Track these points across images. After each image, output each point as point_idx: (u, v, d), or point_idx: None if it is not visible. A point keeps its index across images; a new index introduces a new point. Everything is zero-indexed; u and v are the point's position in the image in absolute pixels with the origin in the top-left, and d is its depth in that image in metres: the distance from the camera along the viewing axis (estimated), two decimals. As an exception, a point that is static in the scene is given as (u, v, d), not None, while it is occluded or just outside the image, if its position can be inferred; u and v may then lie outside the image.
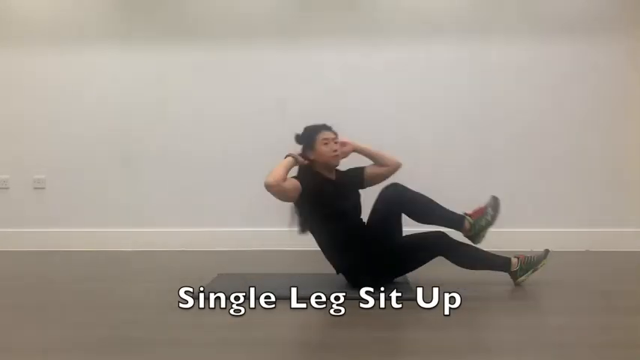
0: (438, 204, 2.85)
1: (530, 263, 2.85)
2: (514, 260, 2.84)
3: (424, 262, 2.85)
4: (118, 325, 2.31)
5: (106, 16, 4.45)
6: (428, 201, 2.84)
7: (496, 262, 2.85)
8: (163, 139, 4.40)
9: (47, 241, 4.31)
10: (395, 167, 3.02)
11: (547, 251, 2.91)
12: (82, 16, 4.43)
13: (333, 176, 2.95)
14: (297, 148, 2.98)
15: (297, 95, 4.34)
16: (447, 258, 2.81)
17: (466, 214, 2.84)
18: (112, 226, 4.38)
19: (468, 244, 2.84)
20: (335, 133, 2.96)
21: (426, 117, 4.33)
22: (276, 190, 2.70)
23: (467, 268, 2.85)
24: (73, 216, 4.39)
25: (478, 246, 2.84)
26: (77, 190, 4.41)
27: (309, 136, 2.92)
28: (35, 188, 4.43)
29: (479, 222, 2.80)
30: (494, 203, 2.86)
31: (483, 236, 2.83)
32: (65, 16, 4.43)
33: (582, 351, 1.97)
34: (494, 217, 2.83)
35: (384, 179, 2.97)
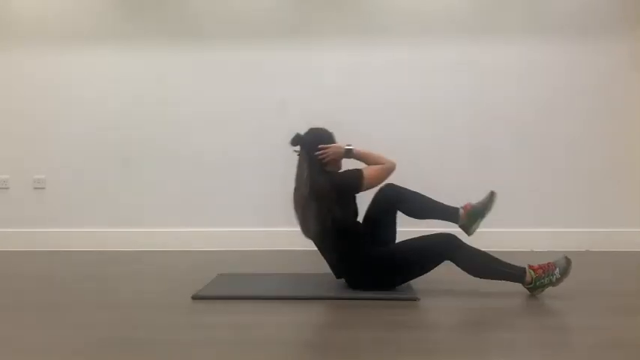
0: (432, 199, 2.86)
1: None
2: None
3: (432, 266, 2.74)
4: (118, 325, 2.31)
5: (106, 16, 4.45)
6: (423, 197, 2.86)
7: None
8: (163, 139, 4.40)
9: (47, 241, 4.32)
10: (391, 168, 2.93)
11: (492, 193, 2.87)
12: (82, 16, 4.43)
13: None
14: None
15: (297, 95, 4.34)
16: (456, 262, 2.70)
17: (461, 207, 2.85)
18: (111, 226, 4.38)
19: (480, 250, 2.72)
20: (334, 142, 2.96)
21: (426, 117, 4.33)
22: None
23: (475, 275, 2.72)
24: (73, 216, 4.40)
25: (473, 243, 2.78)
26: (77, 190, 4.42)
27: (330, 137, 2.92)
28: (35, 188, 4.43)
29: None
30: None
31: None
32: (65, 16, 4.43)
33: (582, 351, 1.97)
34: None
35: (382, 181, 2.93)
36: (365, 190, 2.83)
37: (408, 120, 4.33)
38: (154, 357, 1.95)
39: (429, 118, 4.33)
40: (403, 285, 2.84)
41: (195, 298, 2.69)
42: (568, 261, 2.70)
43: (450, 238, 2.72)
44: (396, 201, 2.83)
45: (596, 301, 2.70)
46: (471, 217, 2.82)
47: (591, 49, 4.30)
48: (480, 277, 2.72)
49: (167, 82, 4.42)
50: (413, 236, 2.79)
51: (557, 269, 2.67)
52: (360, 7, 4.38)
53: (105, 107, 4.42)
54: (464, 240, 2.73)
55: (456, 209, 2.84)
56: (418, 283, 2.85)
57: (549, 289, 2.69)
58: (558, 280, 2.67)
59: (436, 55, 4.34)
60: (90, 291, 2.95)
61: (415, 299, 2.63)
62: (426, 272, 2.76)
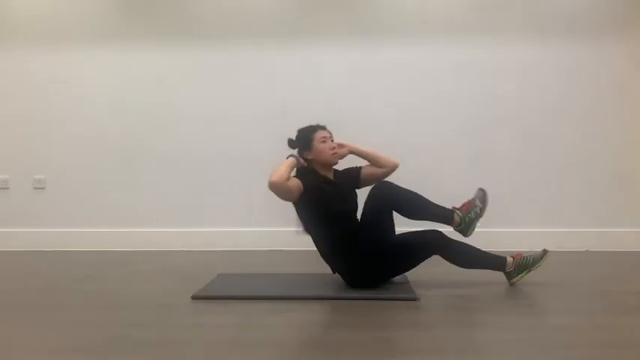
0: (428, 200, 2.85)
1: (526, 264, 2.82)
2: (509, 260, 2.83)
3: (421, 261, 2.82)
4: (119, 325, 2.31)
5: (106, 16, 4.45)
6: (418, 197, 2.84)
7: (492, 262, 2.84)
8: (163, 139, 4.40)
9: (47, 241, 4.32)
10: (392, 168, 3.01)
11: (545, 251, 2.89)
12: (82, 16, 4.43)
13: (331, 176, 2.95)
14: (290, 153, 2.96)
15: (297, 95, 4.34)
16: (443, 256, 2.80)
17: (455, 208, 2.85)
18: (111, 226, 4.38)
19: (463, 243, 2.82)
20: (330, 132, 2.96)
21: (426, 117, 4.34)
22: (280, 188, 2.69)
23: (462, 266, 2.83)
24: (73, 216, 4.40)
25: (472, 243, 2.82)
26: (77, 190, 4.42)
27: (305, 137, 2.93)
28: (35, 188, 4.43)
29: (468, 215, 2.81)
30: (482, 195, 2.89)
31: (473, 229, 2.84)
32: (65, 16, 4.43)
33: (582, 351, 1.97)
34: (482, 209, 2.85)
35: (381, 179, 2.96)
36: (363, 187, 2.93)
37: (408, 120, 4.33)
38: (154, 357, 1.95)
39: (429, 118, 4.34)
40: (403, 285, 2.85)
41: (195, 298, 2.69)
42: (482, 190, 2.89)
43: (437, 237, 2.79)
44: (390, 201, 2.81)
45: (596, 301, 2.70)
46: (468, 222, 2.83)
47: (592, 49, 4.30)
48: (465, 268, 2.84)
49: (167, 82, 4.42)
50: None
51: (477, 200, 2.84)
52: (360, 7, 4.38)
53: (105, 107, 4.42)
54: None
55: (451, 211, 2.84)
56: (418, 283, 2.85)
57: (547, 288, 2.69)
58: (482, 210, 2.84)
59: (436, 56, 4.34)
60: (90, 291, 2.95)
61: (415, 299, 2.63)
62: (416, 266, 2.85)
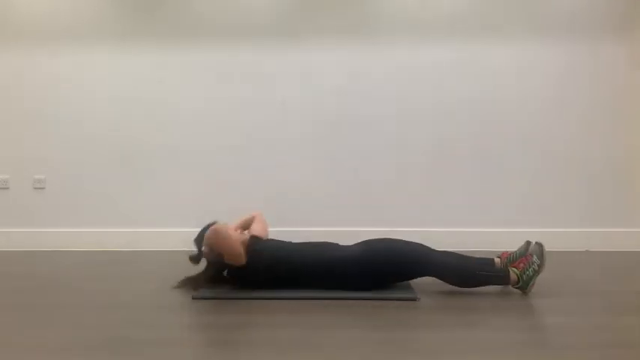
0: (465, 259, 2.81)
1: (529, 265, 2.74)
2: (513, 275, 2.73)
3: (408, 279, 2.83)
4: (118, 325, 2.31)
5: (106, 16, 4.45)
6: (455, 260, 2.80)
7: (495, 275, 2.76)
8: (163, 139, 4.40)
9: (47, 241, 4.32)
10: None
11: (528, 243, 2.85)
12: (82, 17, 4.43)
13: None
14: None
15: (297, 95, 4.34)
16: (437, 278, 2.77)
17: (499, 257, 2.85)
18: (112, 226, 4.38)
19: (458, 260, 2.77)
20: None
21: (426, 117, 4.33)
22: None
23: (461, 285, 2.78)
24: (73, 216, 4.40)
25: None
26: (77, 190, 4.42)
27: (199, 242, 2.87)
28: (35, 188, 4.43)
29: (526, 272, 2.70)
30: (539, 250, 2.75)
31: (532, 285, 2.72)
32: (65, 16, 4.43)
33: (582, 351, 1.97)
34: (541, 266, 2.72)
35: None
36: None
37: (408, 120, 4.33)
38: (154, 357, 1.95)
39: (429, 119, 4.33)
40: (403, 285, 2.84)
41: (195, 298, 2.69)
42: (539, 245, 2.76)
43: (419, 257, 2.74)
44: (426, 271, 2.77)
45: (595, 301, 2.70)
46: (527, 279, 2.72)
47: (591, 49, 4.30)
48: (466, 287, 2.77)
49: (167, 82, 4.41)
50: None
51: (534, 256, 2.73)
52: (360, 7, 4.38)
53: (105, 107, 4.42)
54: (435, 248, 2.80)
55: (507, 271, 2.74)
56: (418, 283, 2.85)
57: (547, 288, 2.69)
58: (540, 267, 2.71)
59: (437, 56, 4.33)
60: (90, 291, 2.95)
61: (415, 299, 2.64)
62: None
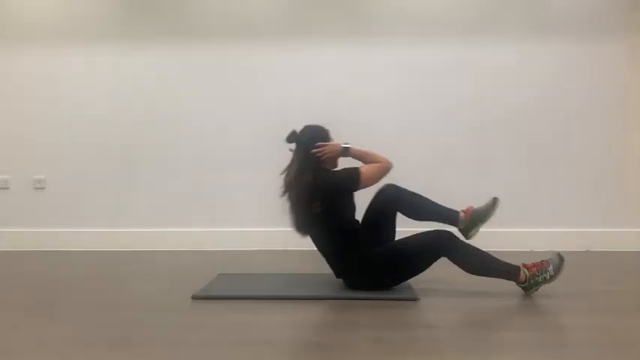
0: (433, 202, 2.83)
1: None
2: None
3: (426, 265, 2.74)
4: (118, 324, 2.31)
5: (106, 17, 4.45)
6: (422, 198, 2.83)
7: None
8: (163, 139, 4.40)
9: (47, 241, 4.32)
10: (388, 167, 2.86)
11: (495, 200, 2.83)
12: (82, 17, 4.43)
13: None
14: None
15: (297, 95, 4.34)
16: (451, 258, 2.70)
17: (462, 211, 2.82)
18: (112, 226, 4.38)
19: (474, 247, 2.73)
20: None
21: (425, 117, 4.34)
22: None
23: (471, 272, 2.73)
24: (73, 216, 4.40)
25: (473, 244, 2.77)
26: (77, 190, 4.42)
27: (323, 136, 2.88)
28: (35, 188, 4.43)
29: (535, 277, 2.69)
30: (559, 265, 2.72)
31: (537, 289, 2.71)
32: (65, 16, 4.43)
33: (582, 351, 1.97)
34: (553, 277, 2.70)
35: (378, 180, 2.85)
36: (362, 189, 2.80)
37: (408, 120, 4.33)
38: (154, 357, 1.95)
39: (428, 118, 4.34)
40: (403, 285, 2.84)
41: (195, 298, 2.69)
42: (561, 258, 2.73)
43: (447, 236, 2.71)
44: (395, 202, 2.81)
45: (596, 301, 2.70)
46: (472, 221, 2.79)
47: (591, 49, 4.30)
48: (476, 275, 2.73)
49: (167, 82, 4.42)
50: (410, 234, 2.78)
51: (551, 266, 2.70)
52: (360, 7, 4.38)
53: (105, 107, 4.43)
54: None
55: (457, 212, 2.81)
56: (418, 283, 2.85)
57: (547, 288, 2.69)
58: (552, 278, 2.69)
59: (436, 56, 4.34)
60: (90, 291, 2.95)
61: (415, 299, 2.63)
62: (424, 270, 2.76)
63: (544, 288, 2.76)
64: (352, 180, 2.78)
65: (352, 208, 2.87)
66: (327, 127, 2.93)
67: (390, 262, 2.73)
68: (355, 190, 2.83)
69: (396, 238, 2.85)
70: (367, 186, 2.81)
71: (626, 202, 4.29)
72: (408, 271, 2.77)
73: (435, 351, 1.98)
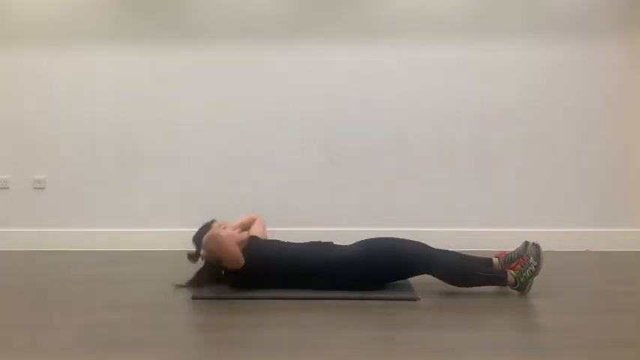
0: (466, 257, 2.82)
1: (526, 267, 2.72)
2: (510, 276, 2.71)
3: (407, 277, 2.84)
4: (119, 325, 2.31)
5: (106, 17, 4.45)
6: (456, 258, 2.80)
7: (493, 276, 2.75)
8: (163, 139, 4.40)
9: (47, 241, 4.32)
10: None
11: (527, 243, 2.83)
12: (82, 17, 4.43)
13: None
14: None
15: (297, 95, 4.34)
16: (434, 276, 2.74)
17: (496, 256, 2.84)
18: (111, 226, 4.38)
19: (456, 258, 2.76)
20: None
21: (426, 117, 4.33)
22: None
23: (458, 285, 2.76)
24: (73, 216, 4.40)
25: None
26: (77, 190, 4.42)
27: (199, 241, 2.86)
28: (35, 188, 4.43)
29: (523, 274, 2.69)
30: (536, 252, 2.73)
31: (530, 286, 2.70)
32: (65, 16, 4.43)
33: (582, 351, 1.97)
34: (538, 267, 2.70)
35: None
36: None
37: (408, 119, 4.33)
38: (154, 357, 1.95)
39: (429, 118, 4.33)
40: (403, 285, 2.84)
41: (195, 298, 2.69)
42: (536, 246, 2.74)
43: (420, 257, 2.73)
44: (426, 270, 2.75)
45: (596, 301, 2.70)
46: (524, 281, 2.70)
47: (592, 49, 4.30)
48: (464, 286, 2.75)
49: (167, 82, 4.41)
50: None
51: (531, 258, 2.71)
52: (360, 7, 4.38)
53: (105, 107, 4.42)
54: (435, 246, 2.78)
55: (504, 272, 2.73)
56: (418, 282, 2.85)
57: (547, 288, 2.69)
58: (537, 268, 2.70)
59: (437, 56, 4.33)
60: (90, 291, 2.95)
61: (415, 299, 2.64)
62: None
63: (544, 288, 2.76)
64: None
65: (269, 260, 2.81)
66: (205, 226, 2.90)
67: (389, 259, 2.75)
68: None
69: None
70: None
71: (626, 202, 4.29)
72: (387, 280, 2.83)
73: (435, 351, 1.98)
